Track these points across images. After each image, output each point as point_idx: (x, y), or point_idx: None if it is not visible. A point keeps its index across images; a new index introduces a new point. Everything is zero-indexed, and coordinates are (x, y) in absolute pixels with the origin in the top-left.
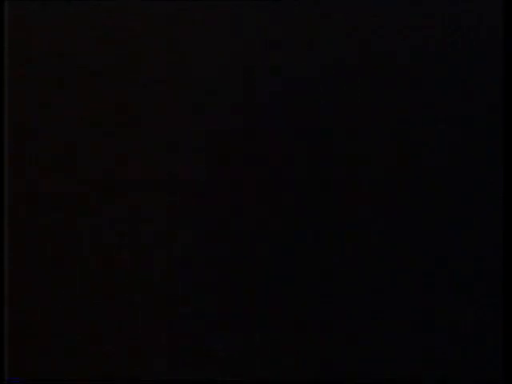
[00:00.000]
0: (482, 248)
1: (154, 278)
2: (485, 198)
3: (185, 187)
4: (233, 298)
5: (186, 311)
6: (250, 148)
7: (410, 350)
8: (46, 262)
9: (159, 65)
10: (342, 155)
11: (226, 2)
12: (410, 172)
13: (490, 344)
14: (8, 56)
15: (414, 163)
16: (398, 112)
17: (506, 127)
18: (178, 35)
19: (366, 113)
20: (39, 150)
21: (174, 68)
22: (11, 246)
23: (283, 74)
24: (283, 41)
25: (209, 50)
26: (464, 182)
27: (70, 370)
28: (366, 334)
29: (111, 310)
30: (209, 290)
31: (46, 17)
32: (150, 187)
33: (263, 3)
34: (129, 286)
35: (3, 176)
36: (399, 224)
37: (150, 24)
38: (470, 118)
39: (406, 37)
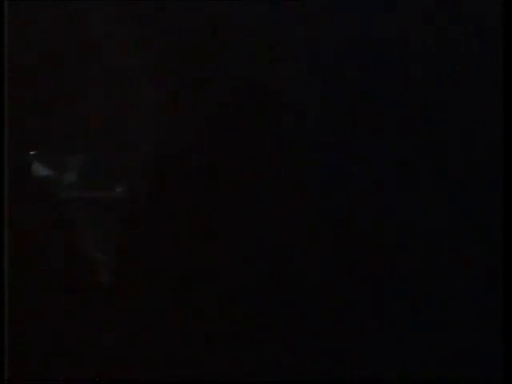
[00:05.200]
0: (481, 248)
1: (154, 278)
2: (485, 198)
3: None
4: (232, 297)
5: (186, 311)
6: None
7: (409, 350)
8: (46, 263)
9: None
10: (341, 155)
11: None
12: (410, 171)
13: (490, 343)
14: (8, 56)
15: (414, 163)
16: (398, 112)
17: (506, 127)
18: (175, 35)
19: (366, 113)
20: (39, 151)
21: (172, 66)
22: (11, 245)
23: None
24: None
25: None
26: (464, 181)
27: (69, 370)
28: (366, 334)
29: (111, 309)
30: (208, 288)
31: (46, 17)
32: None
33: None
34: (129, 285)
35: (3, 175)
36: (399, 224)
37: (150, 23)
38: (469, 118)
39: (405, 36)
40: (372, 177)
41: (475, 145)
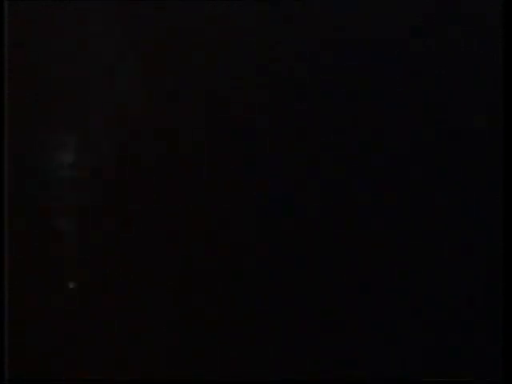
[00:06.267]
0: (481, 248)
1: (154, 278)
2: (485, 198)
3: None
4: (232, 297)
5: (186, 311)
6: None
7: (410, 350)
8: (46, 262)
9: (160, 66)
10: (341, 156)
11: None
12: (409, 171)
13: (490, 343)
14: (8, 56)
15: (413, 163)
16: (398, 112)
17: (506, 127)
18: (176, 35)
19: (366, 112)
20: (39, 152)
21: (174, 67)
22: (11, 246)
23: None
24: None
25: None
26: (464, 181)
27: (69, 370)
28: (366, 334)
29: (111, 309)
30: (209, 289)
31: (46, 17)
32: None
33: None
34: (128, 285)
35: (3, 178)
36: (399, 224)
37: (151, 23)
38: (469, 118)
39: (405, 36)
40: (371, 176)
41: (475, 145)
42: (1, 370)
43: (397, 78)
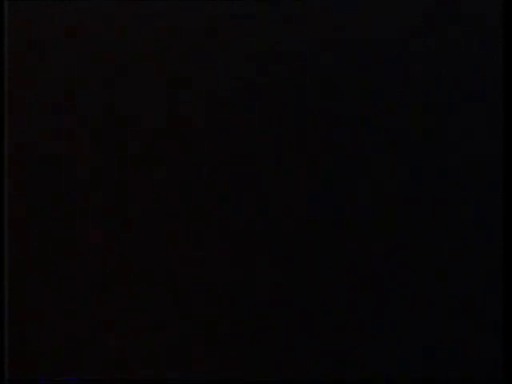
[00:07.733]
0: (481, 248)
1: (154, 278)
2: (485, 198)
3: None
4: (232, 297)
5: (185, 311)
6: (248, 146)
7: (410, 350)
8: (46, 262)
9: (157, 66)
10: (341, 156)
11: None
12: (409, 171)
13: (490, 343)
14: (8, 55)
15: (413, 163)
16: (398, 112)
17: (506, 127)
18: (175, 35)
19: (366, 112)
20: (39, 151)
21: (172, 66)
22: (11, 245)
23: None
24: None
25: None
26: (464, 181)
27: (69, 370)
28: (366, 334)
29: (111, 309)
30: (208, 289)
31: (46, 16)
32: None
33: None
34: (128, 285)
35: (3, 176)
36: (399, 224)
37: (148, 23)
38: (470, 118)
39: (405, 36)
40: (371, 176)
41: (475, 145)
42: (1, 370)
43: (397, 78)
